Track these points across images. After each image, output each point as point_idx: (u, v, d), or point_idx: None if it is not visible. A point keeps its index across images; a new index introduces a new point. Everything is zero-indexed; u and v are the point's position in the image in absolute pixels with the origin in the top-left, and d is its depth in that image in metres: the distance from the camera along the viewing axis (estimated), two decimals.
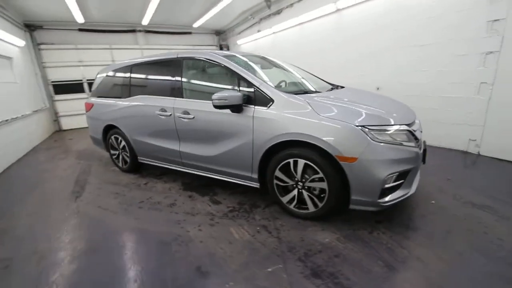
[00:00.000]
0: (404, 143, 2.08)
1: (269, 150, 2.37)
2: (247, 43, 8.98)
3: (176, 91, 2.98)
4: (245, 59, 2.92)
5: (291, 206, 2.42)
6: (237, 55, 2.95)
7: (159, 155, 3.35)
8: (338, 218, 2.37)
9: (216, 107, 2.41)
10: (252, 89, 2.42)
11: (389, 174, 1.98)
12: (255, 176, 2.56)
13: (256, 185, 2.62)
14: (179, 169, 3.25)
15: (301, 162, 2.22)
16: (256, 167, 2.50)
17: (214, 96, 2.37)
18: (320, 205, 2.25)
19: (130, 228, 2.45)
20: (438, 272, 1.71)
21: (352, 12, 5.17)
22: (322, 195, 2.23)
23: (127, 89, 3.56)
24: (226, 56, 2.73)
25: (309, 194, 2.28)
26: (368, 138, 1.97)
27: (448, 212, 2.38)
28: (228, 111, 2.52)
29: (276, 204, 2.67)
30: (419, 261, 1.81)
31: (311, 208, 2.30)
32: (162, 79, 3.22)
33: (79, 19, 7.02)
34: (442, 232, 2.10)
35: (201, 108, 2.74)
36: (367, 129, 1.99)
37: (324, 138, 2.05)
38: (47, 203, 3.08)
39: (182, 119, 2.87)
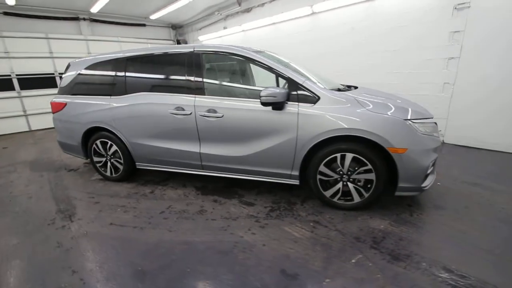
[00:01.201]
0: (434, 134, 2.39)
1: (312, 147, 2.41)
2: (211, 40, 8.69)
3: (195, 88, 2.72)
4: (272, 55, 2.85)
5: (335, 199, 2.51)
6: (264, 50, 2.87)
7: (169, 159, 3.01)
8: (375, 206, 2.56)
9: (264, 104, 2.32)
10: (293, 86, 2.41)
11: (431, 161, 2.26)
12: (296, 173, 2.55)
13: (295, 182, 2.61)
14: (191, 172, 2.98)
15: (349, 156, 2.32)
16: (298, 164, 2.50)
17: (263, 93, 2.27)
18: (366, 195, 2.40)
19: (172, 242, 2.15)
20: (480, 239, 2.04)
21: (327, 16, 5.55)
22: (368, 186, 2.38)
23: (121, 86, 3.07)
24: (256, 52, 2.64)
25: (355, 186, 2.41)
26: (415, 130, 2.20)
27: (454, 191, 2.83)
28: (267, 108, 2.44)
29: (310, 199, 2.73)
30: (462, 233, 2.13)
31: (356, 199, 2.44)
32: (174, 75, 2.89)
33: (9, 0, 5.66)
34: (462, 208, 2.50)
35: (232, 105, 2.58)
36: (412, 122, 2.22)
37: (376, 132, 2.19)
38: (30, 232, 2.44)
39: (207, 118, 2.65)
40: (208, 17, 8.39)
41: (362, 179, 2.38)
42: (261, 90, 2.33)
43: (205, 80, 2.72)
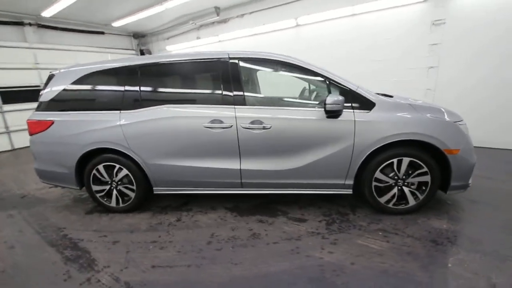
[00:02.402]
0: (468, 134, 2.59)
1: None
2: (182, 50, 8.23)
3: (235, 98, 2.45)
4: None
5: (390, 205, 2.49)
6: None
7: (199, 180, 2.62)
8: (422, 207, 2.62)
9: (328, 112, 2.20)
10: (347, 94, 2.35)
11: (475, 159, 2.42)
12: (350, 182, 2.47)
13: (348, 191, 2.52)
14: (220, 192, 2.65)
15: (406, 160, 2.35)
16: (353, 173, 2.42)
17: (330, 101, 2.15)
18: (420, 197, 2.44)
19: (247, 278, 1.81)
20: None
21: (312, 29, 5.77)
22: (423, 188, 2.43)
23: (135, 99, 2.60)
24: (298, 60, 2.51)
25: (410, 190, 2.44)
26: (463, 131, 2.34)
27: (478, 185, 3.04)
28: (320, 117, 2.33)
29: (358, 207, 2.68)
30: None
31: (411, 202, 2.46)
32: (204, 84, 2.57)
33: None
34: (491, 199, 2.73)
35: (282, 115, 2.39)
36: (459, 124, 2.36)
37: (435, 136, 2.26)
38: None
39: (251, 130, 2.40)
40: (177, 27, 7.95)
41: (416, 182, 2.43)
42: (310, 98, 2.22)
43: (245, 89, 2.47)
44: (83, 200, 3.27)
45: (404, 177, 2.41)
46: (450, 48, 4.42)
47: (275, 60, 2.48)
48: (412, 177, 2.40)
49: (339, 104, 2.17)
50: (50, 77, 2.85)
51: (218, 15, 6.77)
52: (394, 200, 2.47)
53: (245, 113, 2.42)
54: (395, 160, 2.36)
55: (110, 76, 2.71)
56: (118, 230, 2.51)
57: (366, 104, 2.34)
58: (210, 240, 2.27)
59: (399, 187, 2.44)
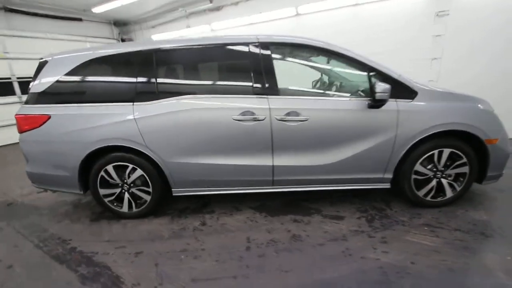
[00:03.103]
0: None
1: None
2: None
3: (266, 87, 2.21)
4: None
5: (428, 198, 2.41)
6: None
7: (225, 178, 2.37)
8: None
9: (377, 101, 2.03)
10: (389, 82, 2.19)
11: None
12: (389, 175, 2.35)
13: (386, 186, 2.40)
14: (245, 191, 2.43)
15: (447, 151, 2.26)
16: (393, 166, 2.30)
17: (379, 89, 1.98)
18: (458, 189, 2.38)
19: (304, 286, 1.63)
20: None
21: (313, 18, 5.60)
22: (461, 179, 2.37)
23: (150, 89, 2.27)
24: (335, 45, 2.32)
25: (448, 181, 2.37)
26: (500, 120, 2.30)
27: None
28: (361, 107, 2.18)
29: (392, 201, 2.57)
30: None
31: (449, 194, 2.39)
32: (232, 72, 2.30)
33: None
34: None
35: (320, 106, 2.20)
36: (495, 113, 2.31)
37: (477, 125, 2.19)
38: None
39: (287, 122, 2.18)
40: (164, 14, 7.41)
41: (453, 173, 2.36)
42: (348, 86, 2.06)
43: (278, 76, 2.24)
44: (84, 205, 2.88)
45: (442, 169, 2.33)
46: (453, 39, 4.46)
47: (311, 45, 2.27)
48: (451, 169, 2.33)
49: (387, 93, 2.02)
50: (42, 65, 2.41)
51: (211, 2, 6.37)
52: (432, 192, 2.40)
53: (279, 104, 2.19)
54: (436, 152, 2.27)
55: (119, 62, 2.34)
56: (137, 239, 2.20)
57: (408, 93, 2.21)
58: (247, 245, 2.05)
59: (438, 179, 2.37)
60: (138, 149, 2.28)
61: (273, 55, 2.24)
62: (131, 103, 2.26)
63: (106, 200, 2.47)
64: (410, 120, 2.19)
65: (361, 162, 2.29)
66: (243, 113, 2.18)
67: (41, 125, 2.31)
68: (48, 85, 2.35)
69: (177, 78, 2.37)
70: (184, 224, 2.40)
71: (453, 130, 2.20)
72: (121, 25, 8.30)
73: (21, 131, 2.38)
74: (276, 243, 2.06)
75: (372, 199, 2.65)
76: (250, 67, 2.24)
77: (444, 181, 2.36)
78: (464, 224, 2.17)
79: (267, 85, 2.21)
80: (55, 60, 2.40)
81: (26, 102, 2.41)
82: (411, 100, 2.20)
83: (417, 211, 2.40)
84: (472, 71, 4.44)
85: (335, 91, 2.38)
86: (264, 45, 2.23)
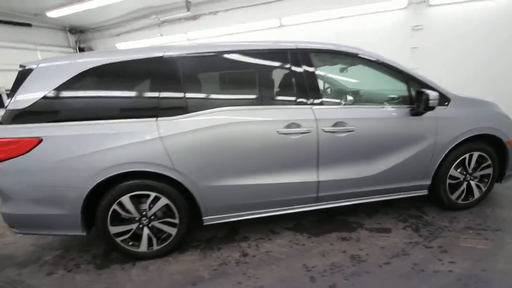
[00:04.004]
0: None
1: None
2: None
3: (310, 97, 2.04)
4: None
5: (459, 201, 2.46)
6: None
7: (267, 200, 2.10)
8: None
9: (429, 109, 2.01)
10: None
11: None
12: (426, 182, 2.35)
13: (423, 192, 2.40)
14: (288, 212, 2.19)
15: (475, 155, 2.36)
16: (431, 172, 2.31)
17: (433, 96, 1.95)
18: (483, 189, 2.49)
19: None
20: None
21: (296, 30, 5.67)
22: (485, 180, 2.48)
23: (178, 101, 1.91)
24: (373, 53, 2.27)
25: (476, 183, 2.46)
26: None
27: None
28: (403, 115, 2.16)
29: (423, 207, 2.58)
30: None
31: (476, 195, 2.48)
32: (271, 80, 2.06)
33: None
34: None
35: (367, 115, 2.11)
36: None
37: (501, 129, 2.33)
38: None
39: (335, 134, 2.03)
40: (131, 22, 6.81)
41: (479, 175, 2.46)
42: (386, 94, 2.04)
43: (320, 85, 2.09)
44: (77, 247, 2.29)
45: (471, 172, 2.42)
46: (429, 52, 4.92)
47: (349, 53, 2.18)
48: (479, 171, 2.43)
49: (437, 100, 2.01)
50: (24, 75, 1.87)
51: (188, 10, 6.04)
52: (463, 195, 2.46)
53: (326, 114, 2.04)
54: (467, 155, 2.35)
55: (134, 71, 1.94)
56: (172, 286, 1.78)
57: (443, 99, 2.26)
58: (311, 275, 1.80)
59: (467, 182, 2.44)
60: (164, 173, 1.89)
61: (314, 63, 2.09)
62: (154, 119, 1.87)
63: (118, 239, 1.98)
64: (447, 126, 2.23)
65: (404, 171, 2.25)
66: (288, 126, 1.97)
67: (28, 151, 1.76)
68: (36, 99, 1.82)
69: (209, 88, 2.06)
70: (221, 257, 2.04)
71: (481, 134, 2.31)
72: (77, 32, 7.37)
73: (4, 158, 1.79)
74: (339, 267, 1.86)
75: (403, 207, 2.62)
76: (291, 76, 2.05)
77: (472, 183, 2.45)
78: (501, 224, 2.25)
79: (310, 94, 2.05)
80: (43, 68, 1.89)
81: (2, 122, 1.83)
82: (446, 107, 2.25)
83: (451, 215, 2.43)
84: (446, 80, 4.92)
85: (377, 99, 2.33)
86: (304, 52, 2.07)
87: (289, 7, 5.51)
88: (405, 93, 2.21)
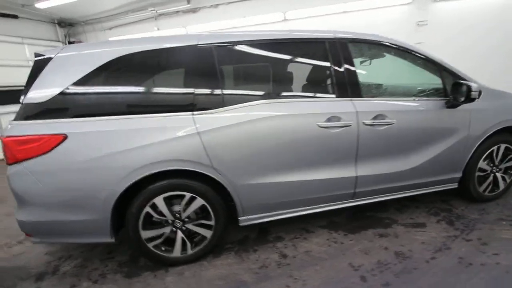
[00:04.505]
0: None
1: None
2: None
3: (349, 89, 1.96)
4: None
5: (486, 193, 2.47)
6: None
7: (305, 197, 2.01)
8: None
9: (471, 100, 1.97)
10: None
11: None
12: (458, 175, 2.33)
13: (454, 186, 2.39)
14: (326, 209, 2.11)
15: (502, 147, 2.37)
16: (463, 165, 2.30)
17: (474, 88, 1.92)
18: (508, 181, 2.51)
19: None
20: None
21: (300, 24, 5.58)
22: (509, 171, 2.50)
23: (214, 94, 1.78)
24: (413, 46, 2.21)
25: (502, 175, 2.48)
26: None
27: None
28: (440, 107, 2.12)
29: (450, 200, 2.57)
30: None
31: (501, 187, 2.50)
32: (310, 71, 1.97)
33: None
34: None
35: (406, 107, 2.06)
36: None
37: None
38: None
39: (375, 127, 1.97)
40: (125, 15, 6.50)
41: (503, 167, 2.48)
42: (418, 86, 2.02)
43: (360, 77, 2.01)
44: (98, 255, 2.11)
45: (497, 164, 2.44)
46: (433, 47, 4.97)
47: (390, 44, 2.13)
48: (504, 163, 2.44)
49: (478, 91, 1.99)
50: (41, 65, 1.68)
51: (188, 2, 5.82)
52: (490, 187, 2.48)
53: (366, 107, 1.97)
54: (495, 148, 2.36)
55: (165, 60, 1.79)
56: None
57: None
58: (361, 275, 1.73)
59: (493, 174, 2.46)
60: (202, 171, 1.75)
61: (353, 53, 2.01)
62: (190, 113, 1.73)
63: (150, 245, 1.83)
64: (479, 118, 2.22)
65: (439, 164, 2.22)
66: (329, 119, 1.88)
67: (51, 149, 1.58)
68: (57, 92, 1.64)
69: (245, 79, 1.94)
70: (259, 260, 1.94)
71: (508, 126, 2.32)
72: (67, 25, 6.94)
73: (12, 161, 1.59)
74: (386, 265, 1.80)
75: (430, 201, 2.60)
76: (330, 67, 1.96)
77: (498, 175, 2.47)
78: None
79: (349, 86, 1.97)
80: (62, 58, 1.70)
81: (19, 118, 1.63)
82: (477, 99, 2.24)
83: (479, 207, 2.44)
84: None
85: (414, 92, 2.29)
86: (343, 42, 1.99)
87: (293, 0, 5.42)
88: (440, 85, 2.18)
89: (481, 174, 2.40)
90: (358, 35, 2.06)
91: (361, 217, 2.41)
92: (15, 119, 1.64)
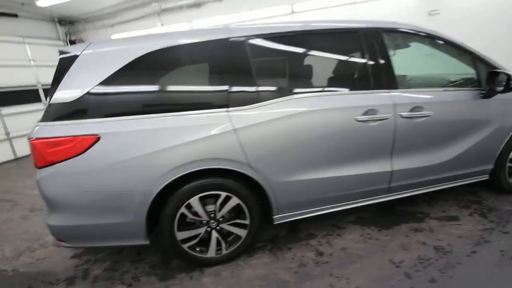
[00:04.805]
0: None
1: None
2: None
3: (385, 80, 1.90)
4: None
5: None
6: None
7: (341, 193, 1.96)
8: None
9: (509, 89, 1.92)
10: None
11: None
12: (490, 166, 2.29)
13: (485, 177, 2.35)
14: (360, 205, 2.07)
15: None
16: (494, 156, 2.26)
17: None
18: None
19: None
20: None
21: (308, 16, 5.48)
22: None
23: (249, 88, 1.71)
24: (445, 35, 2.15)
25: None
26: None
27: None
28: (475, 97, 2.07)
29: (478, 192, 2.53)
30: None
31: None
32: (343, 64, 1.90)
33: None
34: None
35: (442, 98, 2.00)
36: None
37: None
38: None
39: (412, 119, 1.91)
40: (127, 11, 6.35)
41: None
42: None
43: (395, 67, 1.94)
44: (127, 258, 2.05)
45: None
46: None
47: (424, 33, 2.08)
48: None
49: None
50: (66, 62, 1.60)
51: None
52: None
53: (403, 99, 1.90)
54: None
55: (196, 54, 1.71)
56: None
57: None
58: (405, 271, 1.68)
59: None
60: (238, 170, 1.69)
61: (387, 44, 1.94)
62: (225, 109, 1.66)
63: (185, 246, 1.77)
64: (511, 109, 2.18)
65: (473, 156, 2.18)
66: (366, 112, 1.82)
67: (85, 150, 1.51)
68: (86, 91, 1.56)
69: (279, 73, 1.87)
70: (296, 258, 1.89)
71: None
72: (67, 23, 6.78)
73: (43, 164, 1.52)
74: (427, 261, 1.76)
75: (458, 193, 2.56)
76: (364, 57, 1.89)
77: None
78: None
79: (385, 77, 1.90)
80: (89, 55, 1.62)
81: (46, 119, 1.55)
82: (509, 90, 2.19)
83: (509, 198, 2.40)
84: None
85: (447, 82, 2.23)
86: (376, 32, 1.92)
87: None
88: (473, 75, 2.12)
89: (511, 165, 2.36)
90: (393, 24, 1.99)
91: (389, 212, 2.37)
92: (42, 120, 1.56)
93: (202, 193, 1.69)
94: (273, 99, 1.72)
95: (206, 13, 6.04)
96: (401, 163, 2.00)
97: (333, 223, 2.27)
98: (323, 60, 1.96)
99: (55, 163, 1.51)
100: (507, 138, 2.22)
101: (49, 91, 1.60)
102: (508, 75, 1.90)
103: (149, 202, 1.61)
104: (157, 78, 1.70)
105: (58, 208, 1.59)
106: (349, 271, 1.73)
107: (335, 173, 1.88)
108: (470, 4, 4.64)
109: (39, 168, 1.54)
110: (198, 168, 1.63)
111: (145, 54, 1.62)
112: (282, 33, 1.79)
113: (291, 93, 1.77)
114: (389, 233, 2.09)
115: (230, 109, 1.67)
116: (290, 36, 1.81)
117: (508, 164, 2.34)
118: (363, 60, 1.89)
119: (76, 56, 1.60)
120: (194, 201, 1.70)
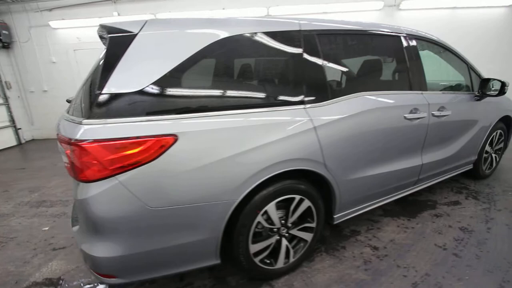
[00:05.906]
0: None
1: None
2: (85, 29, 5.57)
3: (420, 82, 2.10)
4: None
5: (486, 171, 3.00)
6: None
7: (385, 188, 2.06)
8: None
9: (502, 93, 2.34)
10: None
11: None
12: (475, 157, 2.76)
13: (470, 167, 2.82)
14: (396, 198, 2.24)
15: (498, 132, 2.93)
16: (478, 148, 2.73)
17: (507, 84, 2.28)
18: (498, 160, 3.12)
19: None
20: None
21: None
22: (498, 152, 3.10)
23: (322, 83, 1.64)
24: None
25: (495, 155, 3.05)
26: None
27: None
28: (473, 99, 2.49)
29: (471, 183, 2.98)
30: None
31: (493, 165, 3.09)
32: (390, 65, 1.99)
33: None
34: None
35: (455, 100, 2.33)
36: None
37: None
38: None
39: (439, 117, 2.17)
40: None
41: (496, 149, 3.07)
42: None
43: (423, 70, 2.15)
44: (170, 284, 1.69)
45: (494, 146, 3.00)
46: None
47: (442, 44, 2.35)
48: (497, 145, 3.02)
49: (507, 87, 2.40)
50: (120, 42, 1.25)
51: None
52: (488, 166, 3.02)
53: (433, 99, 2.14)
54: (494, 133, 2.88)
55: (269, 46, 1.54)
56: None
57: None
58: (453, 252, 1.88)
59: (491, 155, 3.01)
60: (315, 170, 1.60)
61: (416, 47, 2.14)
62: (302, 106, 1.56)
63: (256, 259, 1.57)
64: (494, 108, 2.71)
65: (469, 148, 2.60)
66: (411, 111, 1.98)
67: (160, 155, 1.19)
68: (154, 79, 1.24)
69: (346, 70, 1.85)
70: (356, 256, 1.89)
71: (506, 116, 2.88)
72: None
73: (100, 176, 1.13)
74: (461, 240, 2.01)
75: (446, 181, 2.99)
76: (406, 60, 2.05)
77: (493, 155, 3.04)
78: None
79: (419, 79, 2.10)
80: (151, 36, 1.29)
81: (95, 115, 1.16)
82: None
83: (484, 183, 2.96)
84: None
85: (453, 86, 2.59)
86: (412, 37, 2.10)
87: None
88: (467, 81, 2.54)
89: (486, 155, 2.91)
90: (424, 34, 2.22)
91: (405, 203, 2.61)
92: (89, 117, 1.16)
93: (279, 197, 1.54)
94: (342, 96, 1.70)
95: (173, 6, 5.56)
96: (427, 157, 2.24)
97: (366, 217, 2.37)
98: (379, 60, 2.04)
99: (117, 174, 1.14)
100: (487, 133, 2.74)
101: (96, 78, 1.21)
102: (503, 82, 2.35)
103: (229, 212, 1.38)
104: (231, 70, 1.48)
105: (115, 233, 1.21)
106: (410, 260, 1.84)
107: (386, 168, 1.97)
108: (423, 26, 5.55)
109: (91, 181, 1.14)
110: (282, 170, 1.47)
111: (219, 40, 1.38)
112: (348, 30, 1.79)
113: (355, 90, 1.77)
114: (418, 221, 2.30)
115: (307, 105, 1.57)
116: (347, 34, 1.81)
117: (484, 155, 2.89)
118: (405, 62, 2.05)
119: (133, 36, 1.26)
120: (271, 207, 1.53)
